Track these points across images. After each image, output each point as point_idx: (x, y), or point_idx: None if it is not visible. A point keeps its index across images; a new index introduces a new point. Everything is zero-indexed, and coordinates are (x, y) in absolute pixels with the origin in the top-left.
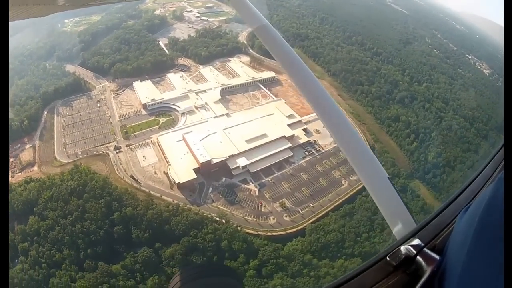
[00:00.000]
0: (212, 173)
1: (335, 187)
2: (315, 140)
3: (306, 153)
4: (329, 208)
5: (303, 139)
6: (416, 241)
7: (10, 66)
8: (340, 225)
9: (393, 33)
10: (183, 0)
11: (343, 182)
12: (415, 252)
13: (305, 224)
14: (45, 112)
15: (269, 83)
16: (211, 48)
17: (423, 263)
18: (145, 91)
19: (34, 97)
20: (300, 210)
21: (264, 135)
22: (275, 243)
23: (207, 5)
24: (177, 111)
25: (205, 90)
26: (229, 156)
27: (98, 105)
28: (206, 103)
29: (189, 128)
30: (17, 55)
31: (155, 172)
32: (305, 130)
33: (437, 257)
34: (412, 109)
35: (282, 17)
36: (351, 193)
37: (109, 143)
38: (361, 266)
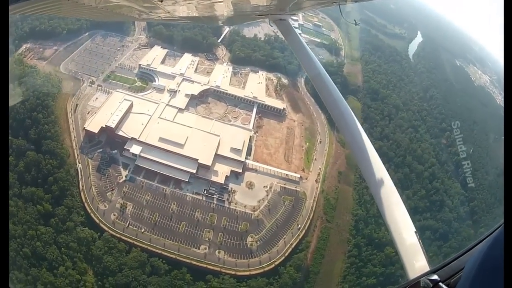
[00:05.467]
0: (115, 141)
1: (185, 242)
2: (233, 190)
3: (204, 192)
4: (147, 247)
5: (219, 178)
6: (434, 276)
7: None
8: (119, 264)
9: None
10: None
11: (202, 247)
12: (431, 285)
13: (114, 233)
14: (86, 34)
15: (270, 112)
16: (257, 53)
17: None
18: (154, 56)
19: (87, 19)
20: (128, 223)
21: (179, 145)
22: (81, 217)
23: (316, 22)
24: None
25: (193, 82)
26: (131, 137)
27: (119, 48)
28: (178, 90)
29: (138, 99)
30: None
31: (88, 113)
32: (236, 173)
33: None
34: None
35: (380, 71)
36: (190, 262)
37: (92, 76)
38: None
